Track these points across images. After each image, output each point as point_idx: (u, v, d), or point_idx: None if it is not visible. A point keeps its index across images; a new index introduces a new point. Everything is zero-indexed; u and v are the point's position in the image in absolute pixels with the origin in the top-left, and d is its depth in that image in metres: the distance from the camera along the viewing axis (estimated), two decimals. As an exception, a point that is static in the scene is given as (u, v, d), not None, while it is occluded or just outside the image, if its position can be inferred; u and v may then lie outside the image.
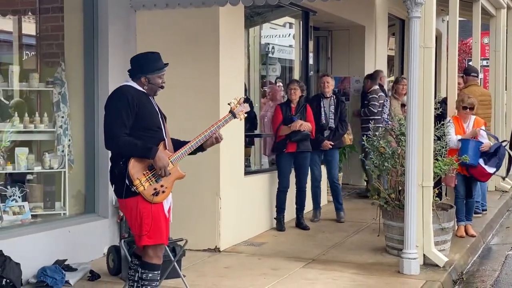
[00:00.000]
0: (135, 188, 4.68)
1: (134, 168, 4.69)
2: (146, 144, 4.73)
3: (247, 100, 5.22)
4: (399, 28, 14.28)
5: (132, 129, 4.75)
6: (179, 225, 6.58)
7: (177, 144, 5.02)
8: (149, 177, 4.73)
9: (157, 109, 4.96)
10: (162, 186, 4.77)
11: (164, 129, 4.95)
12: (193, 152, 5.06)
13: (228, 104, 5.24)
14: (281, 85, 11.16)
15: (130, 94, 4.79)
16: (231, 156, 7.55)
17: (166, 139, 4.91)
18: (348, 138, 9.40)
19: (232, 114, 5.17)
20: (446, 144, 7.42)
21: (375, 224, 7.88)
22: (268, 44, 11.87)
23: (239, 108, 5.18)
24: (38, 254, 6.11)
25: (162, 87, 4.98)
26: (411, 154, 6.41)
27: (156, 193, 4.74)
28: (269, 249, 7.55)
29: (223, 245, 7.42)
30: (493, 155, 7.82)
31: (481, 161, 7.76)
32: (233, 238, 7.66)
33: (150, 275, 4.86)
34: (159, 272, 4.96)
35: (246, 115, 5.28)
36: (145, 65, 4.90)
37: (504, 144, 8.18)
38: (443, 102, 8.59)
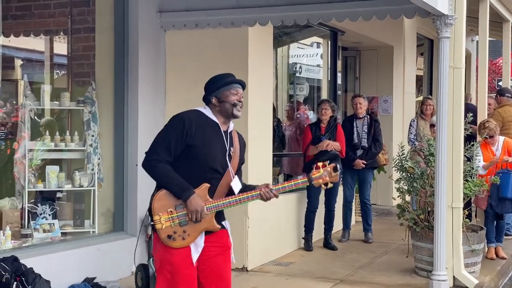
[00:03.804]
0: (153, 223, 4.06)
1: (159, 202, 4.06)
2: (183, 182, 4.02)
3: (336, 169, 4.24)
4: (427, 47, 14.25)
5: (179, 160, 4.08)
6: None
7: (241, 190, 4.22)
8: (172, 217, 4.04)
9: (226, 146, 4.14)
10: (184, 232, 4.04)
11: (225, 173, 4.13)
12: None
13: (317, 161, 4.42)
14: (303, 105, 11.20)
15: (189, 120, 4.07)
16: (259, 175, 7.54)
17: (235, 181, 4.16)
18: (383, 157, 9.30)
19: (309, 179, 4.21)
20: (476, 168, 7.38)
21: (404, 245, 7.80)
22: (296, 63, 11.92)
23: (323, 174, 4.22)
24: (67, 272, 6.15)
25: (235, 105, 4.14)
26: (440, 175, 6.35)
27: (172, 237, 4.04)
28: (297, 269, 7.51)
29: (250, 265, 7.40)
30: None
31: None
32: (261, 257, 7.64)
33: None
34: None
35: (330, 185, 4.25)
36: (212, 83, 4.23)
37: None
38: (473, 122, 8.52)
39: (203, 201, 4.02)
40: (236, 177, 4.19)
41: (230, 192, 4.17)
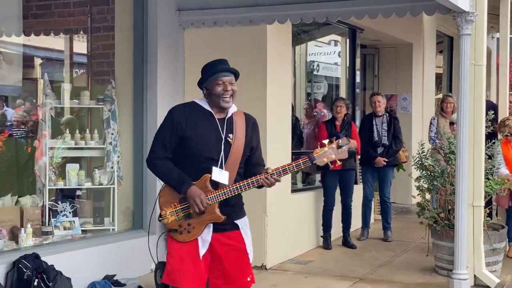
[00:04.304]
0: (161, 218, 4.10)
1: (165, 197, 4.09)
2: (182, 175, 4.01)
3: (342, 145, 3.97)
4: (447, 45, 14.15)
5: (177, 153, 4.09)
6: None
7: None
8: (176, 211, 4.04)
9: (221, 134, 4.05)
10: (189, 225, 4.02)
11: (227, 161, 4.02)
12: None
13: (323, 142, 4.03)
14: (321, 102, 11.17)
15: (179, 112, 4.10)
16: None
17: (215, 173, 4.00)
18: (403, 155, 9.24)
19: (310, 158, 3.94)
20: (498, 167, 7.32)
21: (423, 244, 7.76)
22: (313, 61, 11.89)
23: (327, 151, 3.95)
24: (87, 269, 6.19)
25: (220, 96, 4.04)
26: (461, 173, 6.30)
27: (177, 231, 4.04)
28: (316, 267, 7.50)
29: (269, 263, 7.40)
30: None
31: None
32: (280, 255, 7.63)
33: None
34: None
35: (339, 163, 3.98)
36: (202, 73, 4.15)
37: None
38: (494, 120, 8.46)
39: (205, 192, 3.96)
40: (219, 170, 4.00)
41: (242, 179, 4.03)
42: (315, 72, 12.01)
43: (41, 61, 7.89)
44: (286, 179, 7.81)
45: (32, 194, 6.71)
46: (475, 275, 6.54)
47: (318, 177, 9.20)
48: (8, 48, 6.86)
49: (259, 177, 3.96)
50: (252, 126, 4.23)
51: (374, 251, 8.33)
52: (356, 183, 8.73)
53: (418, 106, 12.10)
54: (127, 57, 7.32)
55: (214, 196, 3.98)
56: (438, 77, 14.24)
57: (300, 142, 9.66)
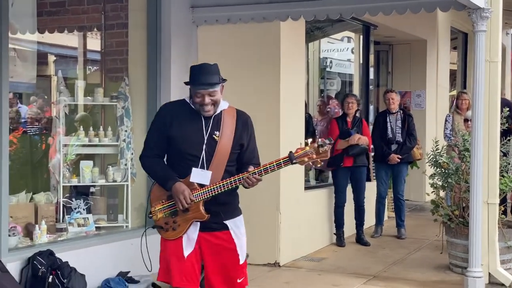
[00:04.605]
0: (151, 215, 4.13)
1: (154, 193, 4.13)
2: (167, 172, 4.03)
3: (322, 145, 3.83)
4: (461, 41, 14.06)
5: (168, 151, 4.12)
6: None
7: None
8: (164, 207, 4.06)
9: (204, 131, 4.00)
10: (175, 222, 4.02)
11: (213, 158, 3.97)
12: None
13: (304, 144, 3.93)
14: (333, 99, 11.14)
15: (165, 111, 4.15)
16: (291, 170, 7.50)
17: (194, 174, 3.96)
18: (418, 152, 9.20)
19: (290, 158, 3.84)
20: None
21: (437, 241, 7.73)
22: (326, 58, 11.86)
23: (308, 151, 3.83)
24: (102, 266, 6.21)
25: (202, 108, 3.97)
26: (476, 170, 6.26)
27: (164, 228, 4.07)
28: (329, 264, 7.48)
29: (282, 260, 7.39)
30: None
31: None
32: (293, 253, 7.63)
33: None
34: None
35: (320, 163, 3.92)
36: (190, 75, 4.08)
37: None
38: (509, 117, 8.40)
39: (191, 189, 3.93)
40: (201, 170, 3.96)
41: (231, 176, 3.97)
42: (328, 69, 11.98)
43: (55, 58, 7.91)
44: (299, 176, 7.80)
45: (46, 191, 6.73)
46: (489, 273, 6.50)
47: (331, 174, 9.19)
48: (22, 45, 6.88)
49: (241, 176, 3.90)
50: (243, 123, 4.13)
51: (387, 249, 8.30)
52: (369, 180, 8.71)
53: (432, 103, 12.04)
54: (141, 54, 7.33)
55: (199, 193, 3.95)
56: (452, 73, 14.16)
57: (313, 139, 9.64)
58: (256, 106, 7.34)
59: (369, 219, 8.94)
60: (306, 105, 9.33)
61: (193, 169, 3.96)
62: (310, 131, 9.19)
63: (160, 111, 4.21)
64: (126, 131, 7.05)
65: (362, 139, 8.30)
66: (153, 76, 7.21)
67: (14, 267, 5.46)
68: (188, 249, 4.04)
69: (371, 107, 10.70)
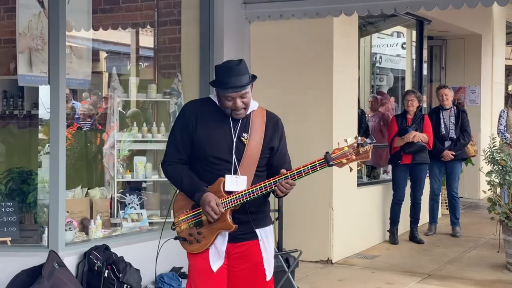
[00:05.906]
0: (174, 227, 3.76)
1: (178, 203, 3.74)
2: (194, 181, 3.62)
3: (364, 144, 3.46)
4: (517, 36, 13.75)
5: (192, 155, 3.70)
6: (292, 236, 6.58)
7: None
8: (188, 217, 3.68)
9: (232, 132, 3.62)
10: (199, 234, 3.62)
11: (241, 163, 3.59)
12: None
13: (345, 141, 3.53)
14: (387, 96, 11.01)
15: (190, 110, 3.71)
16: (344, 167, 7.46)
17: (229, 182, 3.57)
18: (472, 149, 9.04)
19: (327, 160, 3.47)
20: None
21: (493, 240, 7.57)
22: (376, 53, 11.75)
23: (346, 152, 3.47)
24: (154, 261, 6.23)
25: (234, 113, 3.59)
26: (535, 168, 6.11)
27: (188, 241, 3.68)
28: (382, 262, 7.40)
29: (335, 257, 7.34)
30: None
31: None
32: (346, 250, 7.56)
33: None
34: None
35: (360, 166, 3.72)
36: (215, 73, 3.67)
37: None
38: None
39: (218, 197, 3.54)
40: (235, 176, 3.57)
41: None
42: (377, 64, 11.87)
43: (107, 54, 8.00)
44: (352, 173, 7.68)
45: (101, 186, 6.81)
46: (549, 273, 6.35)
47: (381, 171, 9.11)
48: (78, 42, 6.97)
49: (272, 180, 3.50)
50: (273, 125, 3.73)
51: (442, 247, 8.16)
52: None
53: (487, 98, 11.80)
54: (193, 50, 7.34)
55: (226, 201, 3.55)
56: (507, 69, 13.85)
57: (366, 135, 9.54)
58: (309, 103, 7.32)
59: (423, 217, 8.81)
60: (358, 101, 9.25)
61: (227, 176, 3.58)
62: (362, 127, 9.11)
63: (183, 110, 3.76)
64: (179, 127, 7.06)
65: (419, 136, 8.16)
66: (205, 73, 7.21)
67: (70, 261, 5.53)
68: (217, 262, 3.65)
69: (424, 104, 10.53)
